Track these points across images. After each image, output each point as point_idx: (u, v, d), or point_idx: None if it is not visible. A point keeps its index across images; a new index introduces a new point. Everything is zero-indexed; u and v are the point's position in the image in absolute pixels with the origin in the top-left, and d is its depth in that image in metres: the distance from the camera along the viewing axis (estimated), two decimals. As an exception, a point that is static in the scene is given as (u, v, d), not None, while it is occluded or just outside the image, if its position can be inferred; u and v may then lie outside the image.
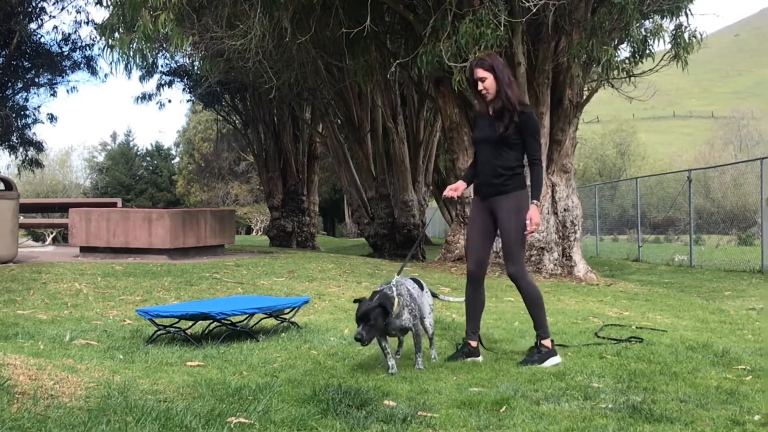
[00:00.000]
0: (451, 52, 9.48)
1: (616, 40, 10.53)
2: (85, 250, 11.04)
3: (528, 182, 4.50)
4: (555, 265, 10.73)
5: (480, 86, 4.49)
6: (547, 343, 4.47)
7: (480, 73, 4.47)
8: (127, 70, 11.84)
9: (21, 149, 24.35)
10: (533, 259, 10.64)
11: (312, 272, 9.33)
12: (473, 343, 4.58)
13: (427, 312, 4.50)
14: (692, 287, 10.91)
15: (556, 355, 4.47)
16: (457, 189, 4.54)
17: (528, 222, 4.40)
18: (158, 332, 5.02)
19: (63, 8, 22.73)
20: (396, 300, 4.21)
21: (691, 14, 10.29)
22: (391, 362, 4.27)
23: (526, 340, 5.16)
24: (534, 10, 9.36)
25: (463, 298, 4.75)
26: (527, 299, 4.50)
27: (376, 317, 4.02)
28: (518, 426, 3.11)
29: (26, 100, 24.37)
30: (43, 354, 4.32)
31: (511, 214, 4.44)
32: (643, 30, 10.05)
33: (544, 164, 4.46)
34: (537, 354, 4.45)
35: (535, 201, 4.44)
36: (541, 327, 4.49)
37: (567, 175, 11.21)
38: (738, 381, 3.96)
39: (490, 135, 4.46)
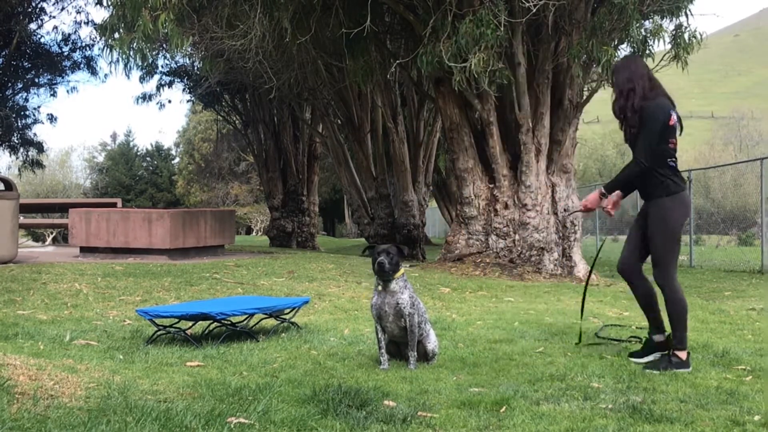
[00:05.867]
0: (451, 52, 9.48)
1: (616, 41, 10.52)
2: (85, 250, 11.04)
3: (674, 189, 4.31)
4: (555, 265, 10.72)
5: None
6: (681, 354, 4.27)
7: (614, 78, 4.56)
8: (127, 70, 11.87)
9: (21, 150, 24.35)
10: (533, 259, 10.64)
11: (312, 272, 9.33)
12: (657, 338, 4.49)
13: (429, 328, 4.48)
14: (692, 287, 10.90)
15: (687, 367, 4.24)
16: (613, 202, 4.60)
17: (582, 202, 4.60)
18: (158, 332, 5.02)
19: (63, 8, 22.74)
20: (402, 269, 4.34)
21: (691, 14, 10.27)
22: (384, 357, 4.29)
23: (526, 341, 5.16)
24: (534, 11, 9.36)
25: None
26: (667, 307, 4.37)
27: (394, 253, 4.29)
28: (518, 426, 3.11)
29: (26, 100, 24.38)
30: (43, 354, 4.32)
31: (657, 223, 4.33)
32: (643, 30, 10.04)
33: (645, 164, 4.29)
34: (665, 362, 4.28)
35: (600, 188, 4.49)
36: (675, 337, 4.33)
37: (567, 175, 11.21)
38: (738, 381, 3.96)
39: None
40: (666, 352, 4.38)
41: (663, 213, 4.33)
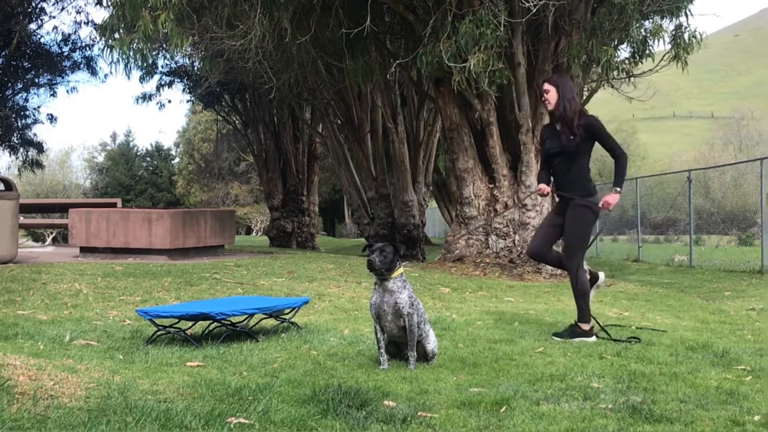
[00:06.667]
0: (451, 52, 9.48)
1: (616, 41, 10.54)
2: (85, 250, 11.04)
3: (594, 191, 5.24)
4: (555, 265, 10.72)
5: (543, 97, 5.38)
6: (583, 326, 5.20)
7: (545, 86, 5.36)
8: (127, 70, 11.84)
9: (21, 150, 24.35)
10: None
11: (312, 272, 9.33)
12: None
13: (429, 329, 4.46)
14: (692, 287, 10.90)
15: (590, 336, 5.17)
16: (543, 189, 5.44)
17: (601, 204, 5.22)
18: (158, 332, 5.01)
19: (63, 8, 22.74)
20: (401, 269, 4.33)
21: (691, 14, 10.28)
22: (383, 357, 4.28)
23: (526, 341, 5.17)
24: (534, 11, 9.36)
25: None
26: (573, 289, 5.30)
27: (389, 251, 4.29)
28: (518, 426, 3.11)
29: (26, 100, 24.39)
30: (43, 354, 4.32)
31: (572, 221, 5.24)
32: (643, 30, 10.05)
33: (625, 152, 5.31)
34: (566, 332, 5.23)
35: (616, 188, 5.16)
36: (579, 313, 5.26)
37: (567, 175, 11.20)
38: (738, 381, 3.96)
39: (557, 146, 5.22)
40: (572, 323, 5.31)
41: (581, 213, 5.23)
